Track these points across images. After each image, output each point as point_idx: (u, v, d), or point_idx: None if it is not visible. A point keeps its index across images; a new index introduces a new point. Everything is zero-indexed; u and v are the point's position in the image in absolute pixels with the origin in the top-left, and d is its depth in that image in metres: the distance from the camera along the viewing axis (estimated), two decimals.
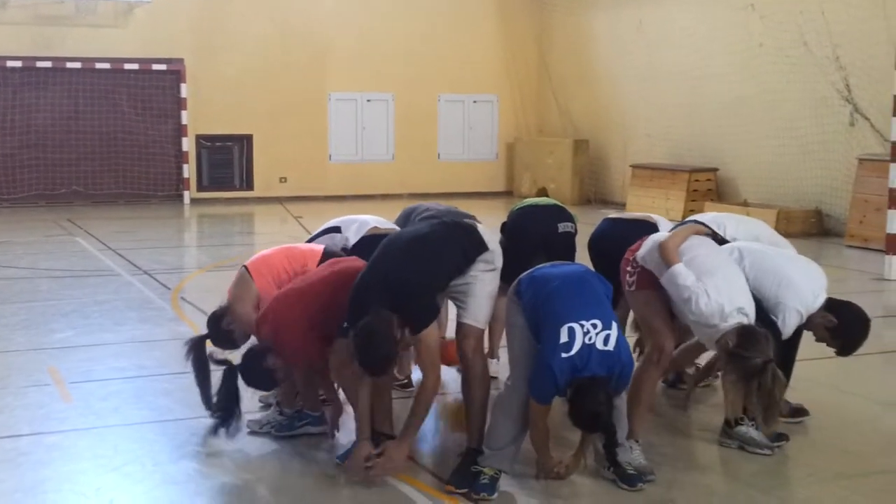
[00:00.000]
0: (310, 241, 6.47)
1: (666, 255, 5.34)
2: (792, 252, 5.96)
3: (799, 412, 6.01)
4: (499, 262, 5.24)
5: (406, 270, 4.93)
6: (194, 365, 5.69)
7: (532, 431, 4.97)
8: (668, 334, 5.45)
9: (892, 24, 13.44)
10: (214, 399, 5.59)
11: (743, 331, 5.13)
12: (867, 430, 5.99)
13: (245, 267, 5.84)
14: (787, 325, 5.50)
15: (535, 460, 5.08)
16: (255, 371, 5.46)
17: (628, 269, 5.58)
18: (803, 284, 5.56)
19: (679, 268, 5.27)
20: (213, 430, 5.54)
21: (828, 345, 5.71)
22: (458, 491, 4.85)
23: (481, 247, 5.15)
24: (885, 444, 5.77)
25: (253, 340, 5.75)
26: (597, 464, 5.08)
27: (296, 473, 5.20)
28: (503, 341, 5.75)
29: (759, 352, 5.06)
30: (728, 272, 5.35)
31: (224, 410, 5.52)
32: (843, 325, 5.57)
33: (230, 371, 5.54)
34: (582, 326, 4.72)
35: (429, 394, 5.02)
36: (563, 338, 4.69)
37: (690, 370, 6.74)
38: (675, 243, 5.40)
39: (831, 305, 5.60)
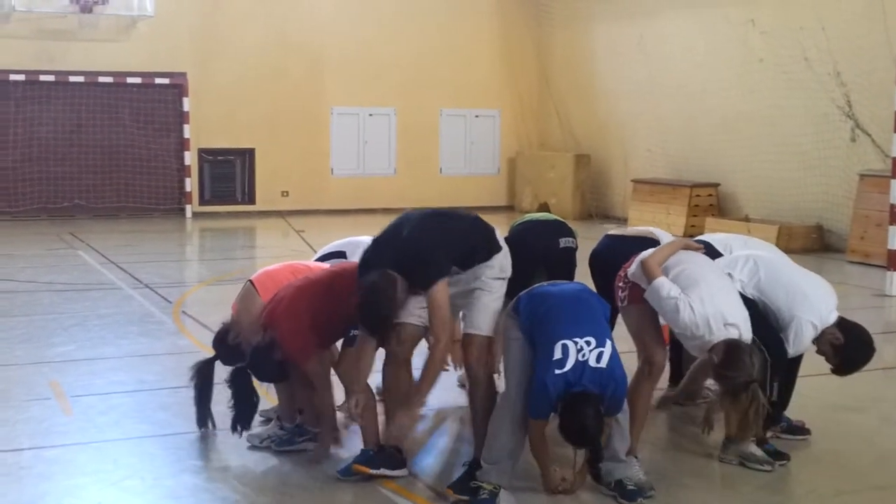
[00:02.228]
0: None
1: (648, 271, 5.35)
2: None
3: (800, 430, 6.01)
4: (508, 271, 5.29)
5: (420, 234, 4.99)
6: (198, 385, 5.70)
7: (531, 447, 5.00)
8: (659, 348, 5.48)
9: (893, 40, 13.47)
10: (230, 402, 5.62)
11: (728, 348, 5.11)
12: (866, 446, 5.99)
13: (250, 282, 5.90)
14: (803, 339, 5.52)
15: (539, 475, 5.10)
16: (264, 364, 5.48)
17: (620, 284, 5.60)
18: (819, 299, 5.59)
19: (660, 281, 5.26)
20: (232, 428, 5.62)
21: (827, 360, 5.73)
22: (459, 496, 4.87)
23: (498, 245, 5.23)
24: (882, 460, 5.77)
25: None
26: (599, 482, 5.08)
27: (296, 488, 5.19)
28: None
29: (742, 371, 5.05)
30: (715, 284, 5.32)
31: (239, 408, 5.59)
32: (848, 345, 5.61)
33: (240, 370, 5.56)
34: (575, 343, 4.74)
35: (438, 357, 5.04)
36: (557, 354, 4.73)
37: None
38: (658, 259, 5.41)
39: (841, 324, 5.63)
